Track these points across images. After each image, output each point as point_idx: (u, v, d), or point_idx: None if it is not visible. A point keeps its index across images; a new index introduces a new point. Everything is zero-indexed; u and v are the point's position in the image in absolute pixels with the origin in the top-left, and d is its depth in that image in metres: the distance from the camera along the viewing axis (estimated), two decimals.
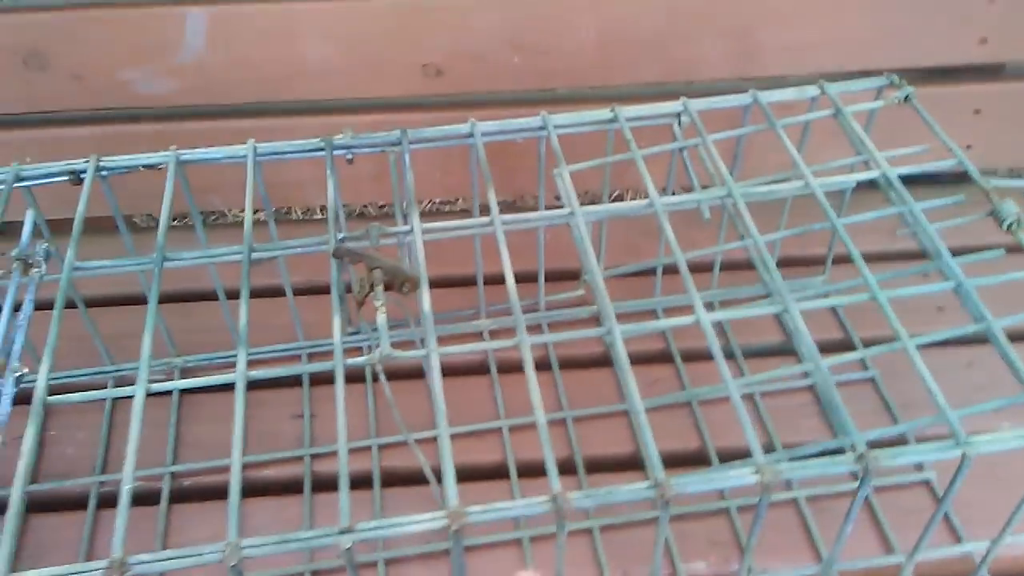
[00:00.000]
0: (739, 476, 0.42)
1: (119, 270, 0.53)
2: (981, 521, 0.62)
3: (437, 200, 1.12)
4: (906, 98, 0.62)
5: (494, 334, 0.76)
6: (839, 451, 0.52)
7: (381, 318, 0.48)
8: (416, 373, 0.73)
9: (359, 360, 0.47)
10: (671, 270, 0.76)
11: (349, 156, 0.61)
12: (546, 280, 0.76)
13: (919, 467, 0.66)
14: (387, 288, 0.52)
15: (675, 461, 0.68)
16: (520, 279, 0.80)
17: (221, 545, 0.40)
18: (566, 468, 0.67)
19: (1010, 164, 0.98)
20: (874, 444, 0.47)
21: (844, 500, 0.64)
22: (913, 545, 0.51)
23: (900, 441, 0.67)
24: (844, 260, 0.52)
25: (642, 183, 0.57)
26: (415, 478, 0.65)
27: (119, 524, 0.41)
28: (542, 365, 0.74)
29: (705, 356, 0.73)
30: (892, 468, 0.43)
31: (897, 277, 0.58)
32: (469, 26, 0.77)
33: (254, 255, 0.52)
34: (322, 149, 0.60)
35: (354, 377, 0.71)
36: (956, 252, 0.57)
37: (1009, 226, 0.53)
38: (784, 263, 0.83)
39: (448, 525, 0.41)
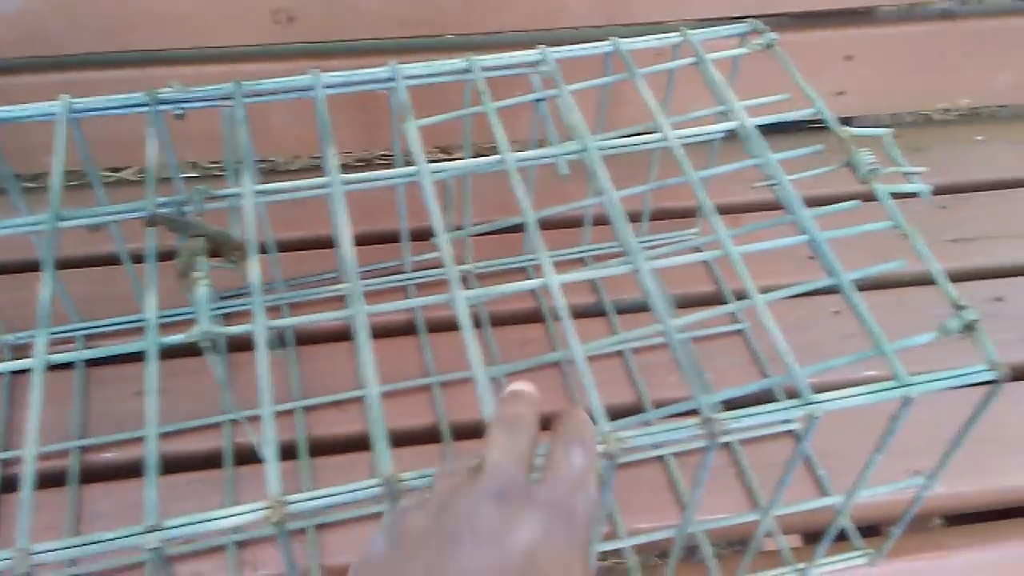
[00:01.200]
0: None
1: None
2: (848, 470, 0.62)
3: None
4: (768, 45, 0.60)
5: None
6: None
7: (200, 291, 0.44)
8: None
9: (175, 338, 0.43)
10: (543, 225, 0.74)
11: (179, 111, 0.56)
12: (420, 238, 0.73)
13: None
14: (215, 257, 0.48)
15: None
16: (392, 238, 0.77)
17: (9, 552, 0.36)
18: (432, 436, 0.65)
19: (891, 109, 0.97)
20: (737, 401, 0.45)
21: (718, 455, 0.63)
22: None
23: (765, 396, 0.67)
24: (720, 211, 0.51)
25: (517, 134, 0.54)
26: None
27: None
28: (409, 329, 0.71)
29: (579, 313, 0.72)
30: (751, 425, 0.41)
31: (758, 229, 0.57)
32: None
33: (60, 224, 0.48)
34: (146, 104, 0.54)
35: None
36: (820, 201, 0.56)
37: (864, 176, 0.52)
38: (661, 215, 0.81)
39: (269, 517, 0.38)
